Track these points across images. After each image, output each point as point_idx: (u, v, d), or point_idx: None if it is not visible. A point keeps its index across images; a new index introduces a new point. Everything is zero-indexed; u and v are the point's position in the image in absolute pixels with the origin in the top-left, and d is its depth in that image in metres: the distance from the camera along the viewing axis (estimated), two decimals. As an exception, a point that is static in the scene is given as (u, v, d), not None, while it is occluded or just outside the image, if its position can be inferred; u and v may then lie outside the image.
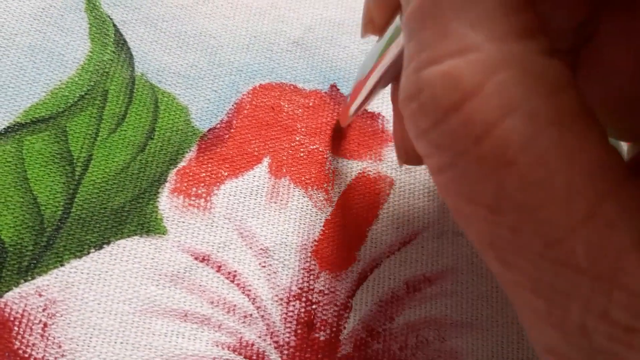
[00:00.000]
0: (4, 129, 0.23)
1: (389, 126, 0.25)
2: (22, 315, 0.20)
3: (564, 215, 0.12)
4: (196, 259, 0.22)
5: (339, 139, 0.25)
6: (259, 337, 0.21)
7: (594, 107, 0.13)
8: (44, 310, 0.20)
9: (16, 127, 0.23)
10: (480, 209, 0.13)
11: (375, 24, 0.19)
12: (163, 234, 0.22)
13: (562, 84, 0.13)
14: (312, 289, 0.22)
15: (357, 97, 0.22)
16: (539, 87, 0.12)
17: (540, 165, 0.12)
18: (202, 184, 0.23)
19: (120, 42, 0.25)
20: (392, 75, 0.19)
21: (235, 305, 0.21)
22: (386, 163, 0.25)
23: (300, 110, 0.25)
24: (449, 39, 0.13)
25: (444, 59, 0.13)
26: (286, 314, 0.22)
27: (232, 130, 0.24)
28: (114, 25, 0.25)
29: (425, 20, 0.14)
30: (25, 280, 0.21)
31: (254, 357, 0.21)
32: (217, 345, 0.21)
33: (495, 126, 0.12)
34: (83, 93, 0.24)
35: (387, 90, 0.22)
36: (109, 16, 0.25)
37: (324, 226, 0.23)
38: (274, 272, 0.22)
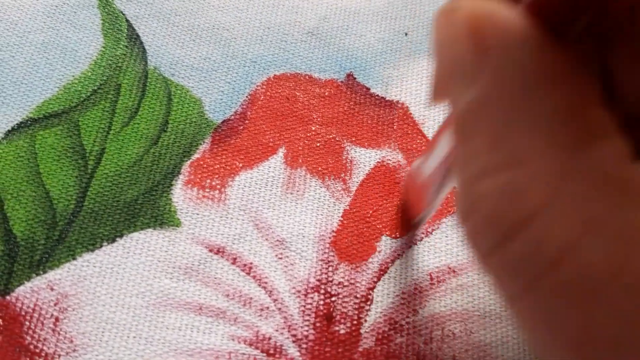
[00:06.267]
0: (17, 124, 0.22)
1: (410, 113, 0.24)
2: (34, 310, 0.20)
3: None
4: (211, 251, 0.21)
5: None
6: (276, 330, 0.20)
7: None
8: (55, 304, 0.20)
9: (29, 122, 0.22)
10: (564, 340, 0.11)
11: None
12: (177, 226, 0.22)
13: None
14: (331, 281, 0.21)
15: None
16: (614, 199, 0.11)
17: (632, 293, 0.10)
18: (217, 176, 0.22)
19: (133, 37, 0.25)
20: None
21: (251, 298, 0.21)
22: (405, 152, 0.24)
23: (315, 100, 0.24)
24: (503, 147, 0.11)
25: (499, 171, 0.11)
26: (304, 306, 0.21)
27: (246, 122, 0.24)
28: (127, 20, 0.25)
29: (474, 126, 0.12)
30: (37, 275, 0.20)
31: (271, 351, 0.20)
32: (232, 339, 0.20)
33: (573, 247, 0.10)
34: (96, 87, 0.23)
35: (406, 76, 0.21)
36: (121, 11, 0.25)
37: (342, 216, 0.22)
38: (291, 264, 0.21)
